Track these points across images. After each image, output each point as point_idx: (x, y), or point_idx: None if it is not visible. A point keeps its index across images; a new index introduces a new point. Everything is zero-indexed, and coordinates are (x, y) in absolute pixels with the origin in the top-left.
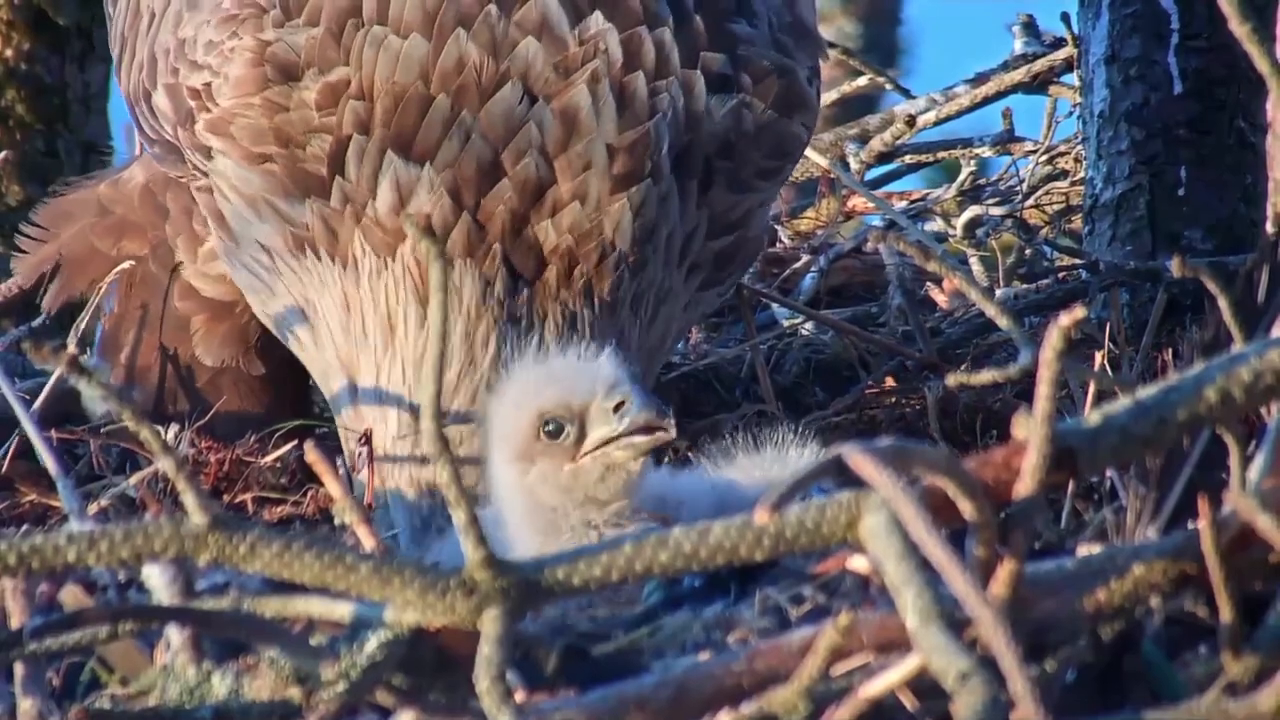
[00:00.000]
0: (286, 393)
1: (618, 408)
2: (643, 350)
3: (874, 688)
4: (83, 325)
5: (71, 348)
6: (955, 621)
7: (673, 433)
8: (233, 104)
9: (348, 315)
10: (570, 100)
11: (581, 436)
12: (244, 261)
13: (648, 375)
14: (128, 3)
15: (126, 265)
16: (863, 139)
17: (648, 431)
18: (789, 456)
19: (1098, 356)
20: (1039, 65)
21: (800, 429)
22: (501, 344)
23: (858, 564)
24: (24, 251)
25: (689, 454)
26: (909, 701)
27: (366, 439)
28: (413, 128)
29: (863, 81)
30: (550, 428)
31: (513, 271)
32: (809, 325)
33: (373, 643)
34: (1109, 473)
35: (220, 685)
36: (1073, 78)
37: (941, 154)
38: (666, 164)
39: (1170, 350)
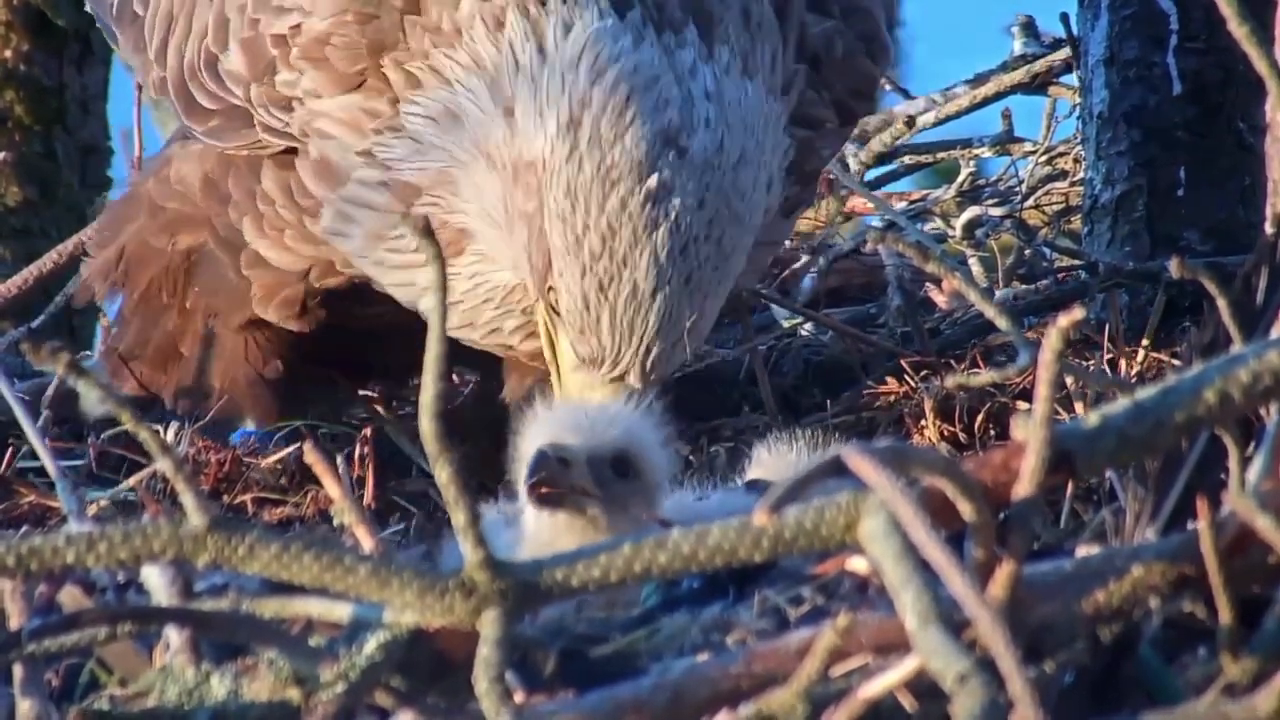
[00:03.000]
0: (309, 356)
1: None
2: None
3: (873, 689)
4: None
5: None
6: (954, 623)
7: (525, 505)
8: (329, 24)
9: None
10: None
11: None
12: (359, 180)
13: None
14: None
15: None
16: (862, 139)
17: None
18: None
19: (1096, 357)
20: (1038, 66)
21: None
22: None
23: (856, 565)
24: (91, 257)
25: (691, 457)
26: (908, 703)
27: (366, 440)
28: None
29: None
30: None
31: None
32: (808, 326)
33: (371, 644)
34: (1108, 474)
35: (219, 686)
36: (1072, 78)
37: (941, 154)
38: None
39: (1169, 351)
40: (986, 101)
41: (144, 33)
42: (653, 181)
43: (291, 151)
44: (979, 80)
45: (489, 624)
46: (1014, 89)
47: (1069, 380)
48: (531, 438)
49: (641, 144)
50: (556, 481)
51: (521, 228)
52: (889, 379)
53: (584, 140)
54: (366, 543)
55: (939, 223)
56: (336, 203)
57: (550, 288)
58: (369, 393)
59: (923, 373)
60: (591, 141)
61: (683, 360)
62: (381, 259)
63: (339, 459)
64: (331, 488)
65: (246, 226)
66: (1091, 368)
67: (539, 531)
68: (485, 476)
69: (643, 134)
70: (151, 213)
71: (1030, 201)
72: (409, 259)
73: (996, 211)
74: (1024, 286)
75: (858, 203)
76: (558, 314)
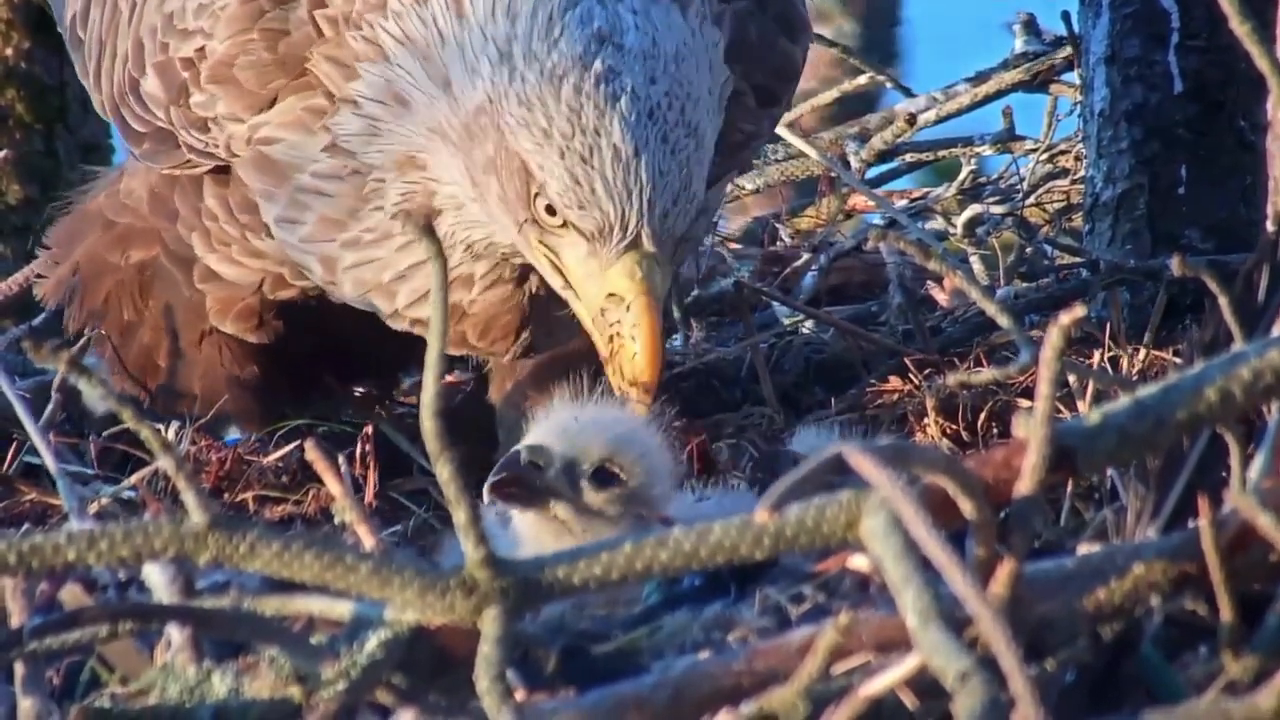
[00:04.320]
0: (284, 362)
1: None
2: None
3: (874, 687)
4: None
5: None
6: (955, 621)
7: (485, 502)
8: (228, 45)
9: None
10: None
11: None
12: (311, 177)
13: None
14: (102, 7)
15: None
16: (863, 137)
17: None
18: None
19: (1097, 355)
20: (1039, 64)
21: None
22: None
23: (858, 563)
24: (44, 276)
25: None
26: (909, 701)
27: (367, 438)
28: None
29: (863, 80)
30: None
31: None
32: (809, 324)
33: (373, 642)
34: (1109, 472)
35: (220, 684)
36: (1073, 76)
37: (942, 152)
38: None
39: (1170, 349)
40: (988, 99)
41: (85, 57)
42: (598, 65)
43: (225, 169)
44: (980, 78)
45: (490, 622)
46: (1015, 87)
47: (1070, 378)
48: (525, 442)
49: (576, 44)
50: (520, 482)
51: (489, 179)
52: (891, 377)
53: (519, 60)
54: (367, 541)
55: (940, 221)
56: (288, 192)
57: (536, 196)
58: (363, 391)
59: (925, 371)
60: (527, 58)
61: (690, 221)
62: (357, 238)
63: (340, 457)
64: (333, 486)
65: (196, 242)
66: (1093, 366)
67: (520, 528)
68: (485, 475)
69: (575, 37)
70: (104, 227)
71: (1031, 199)
72: (384, 230)
73: (998, 209)
74: (1025, 284)
75: (859, 200)
76: (552, 215)
